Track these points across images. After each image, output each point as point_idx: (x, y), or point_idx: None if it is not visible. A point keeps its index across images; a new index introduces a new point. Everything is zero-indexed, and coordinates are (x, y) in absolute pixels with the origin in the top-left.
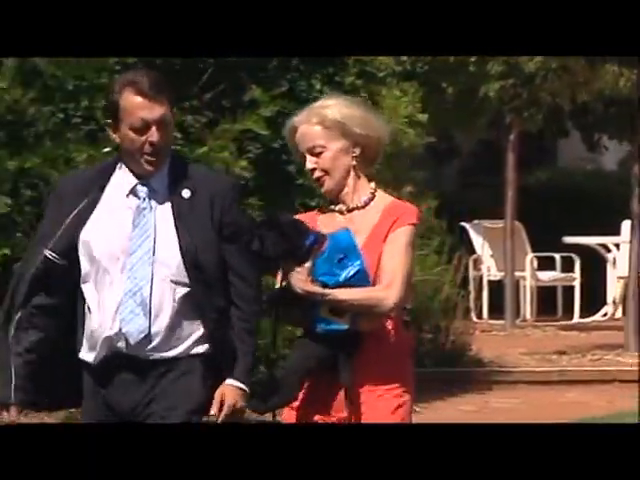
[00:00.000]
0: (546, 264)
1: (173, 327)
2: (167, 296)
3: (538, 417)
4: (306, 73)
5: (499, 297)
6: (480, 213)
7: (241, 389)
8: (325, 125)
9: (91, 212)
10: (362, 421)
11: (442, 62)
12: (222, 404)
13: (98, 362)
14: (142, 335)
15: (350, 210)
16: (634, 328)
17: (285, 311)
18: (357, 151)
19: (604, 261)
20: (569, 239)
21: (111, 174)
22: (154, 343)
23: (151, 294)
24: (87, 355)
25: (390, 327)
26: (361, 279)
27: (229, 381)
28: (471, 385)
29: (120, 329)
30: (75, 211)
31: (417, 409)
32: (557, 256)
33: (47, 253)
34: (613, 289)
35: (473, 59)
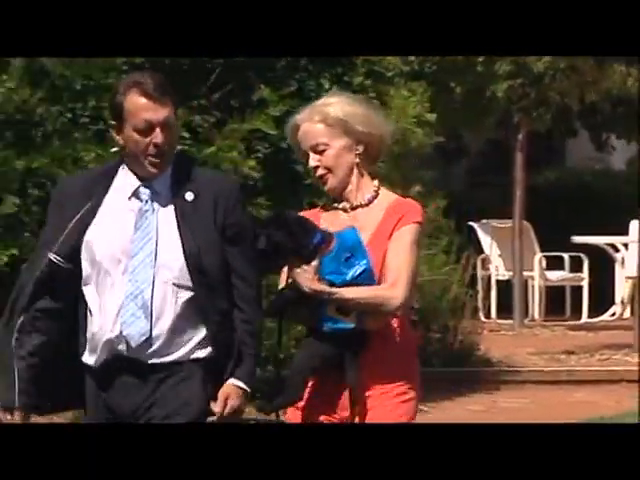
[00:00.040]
0: (554, 264)
1: (174, 330)
2: (168, 299)
3: (546, 417)
4: (315, 73)
5: (507, 297)
6: (488, 213)
7: (243, 389)
8: (328, 123)
9: (94, 215)
10: (367, 420)
11: (450, 62)
12: (226, 403)
13: (99, 365)
14: (143, 338)
15: (354, 208)
16: None
17: (291, 310)
18: (360, 149)
19: (612, 261)
20: (577, 239)
21: (114, 176)
22: (155, 346)
23: (152, 297)
24: (88, 358)
25: (395, 326)
26: (367, 278)
27: (232, 381)
28: (479, 385)
29: (121, 332)
30: (79, 214)
31: (425, 409)
32: (565, 256)
33: (52, 257)
34: (621, 289)
35: (481, 59)
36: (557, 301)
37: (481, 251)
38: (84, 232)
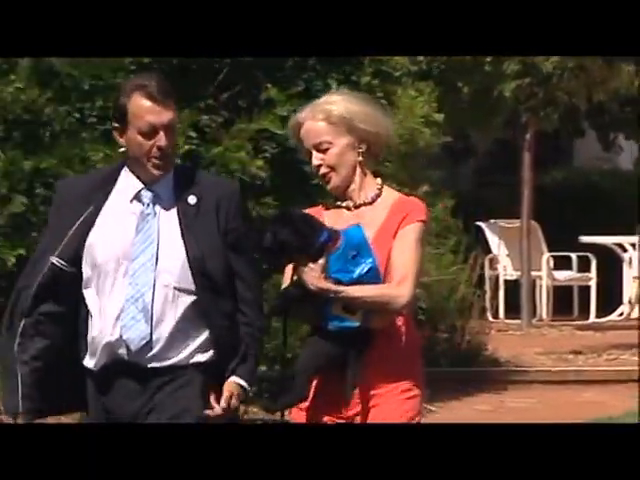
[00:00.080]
0: (562, 264)
1: (175, 334)
2: (169, 303)
3: (554, 417)
4: (322, 73)
5: (515, 297)
6: (496, 212)
7: (242, 387)
8: (331, 121)
9: (96, 218)
10: (372, 418)
11: (458, 62)
12: (228, 401)
13: (99, 369)
14: (143, 342)
15: (357, 206)
16: None
17: (296, 309)
18: (363, 147)
19: (620, 261)
20: (585, 239)
21: (116, 179)
22: (155, 350)
23: (153, 301)
24: (88, 361)
25: (400, 324)
26: (374, 276)
27: (233, 378)
28: (487, 385)
29: (121, 335)
30: (81, 217)
31: (433, 409)
32: (573, 256)
33: (54, 260)
34: (629, 289)
35: (489, 59)
36: (565, 301)
37: (489, 251)
38: (86, 235)
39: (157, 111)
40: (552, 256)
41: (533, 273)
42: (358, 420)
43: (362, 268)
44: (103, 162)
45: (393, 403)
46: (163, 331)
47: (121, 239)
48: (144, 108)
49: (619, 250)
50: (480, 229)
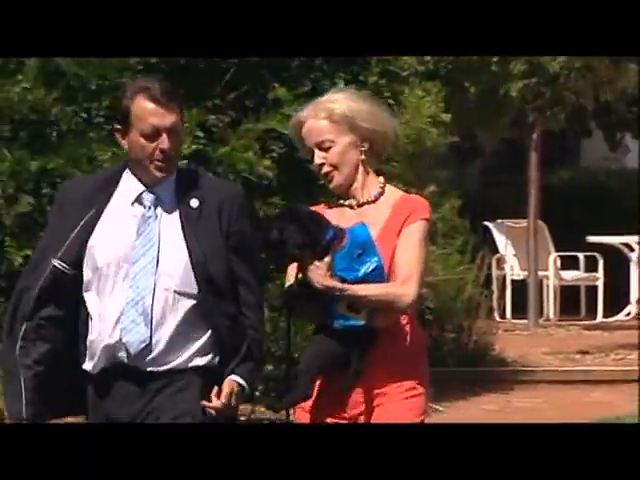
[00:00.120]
0: (569, 263)
1: (174, 338)
2: (169, 306)
3: (561, 417)
4: (329, 72)
5: (522, 296)
6: (503, 212)
7: (241, 385)
8: (333, 120)
9: (98, 220)
10: (376, 418)
11: (465, 62)
12: (227, 399)
13: (97, 372)
14: (143, 345)
15: (360, 205)
16: None
17: (300, 307)
18: (365, 146)
19: (627, 260)
20: (592, 238)
21: (118, 181)
22: (154, 354)
23: (153, 304)
24: (87, 364)
25: (404, 323)
26: (379, 275)
27: (232, 376)
28: (494, 385)
29: (120, 339)
30: (83, 220)
31: (440, 408)
32: (580, 255)
33: (56, 263)
34: (636, 288)
35: (496, 59)
36: (572, 301)
37: (496, 251)
38: (88, 238)
39: (160, 114)
40: (559, 256)
41: (540, 273)
42: (362, 419)
43: (367, 267)
44: (110, 162)
45: (398, 402)
46: (163, 334)
47: (122, 242)
48: (147, 111)
49: (626, 250)
50: (487, 229)
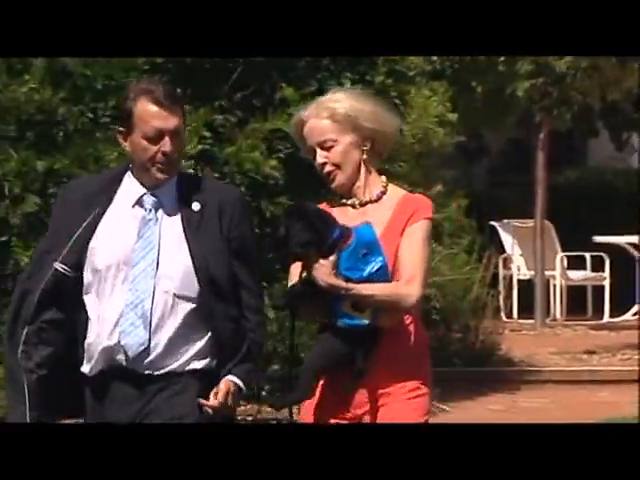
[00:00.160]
0: (576, 263)
1: (173, 341)
2: (168, 309)
3: (567, 417)
4: (336, 72)
5: (529, 296)
6: (510, 212)
7: (237, 385)
8: (335, 119)
9: (99, 222)
10: (380, 418)
11: (472, 61)
12: (223, 399)
13: (95, 374)
14: (141, 348)
15: (363, 204)
16: None
17: (304, 307)
18: (368, 145)
19: (634, 260)
20: (599, 238)
21: (120, 183)
22: (153, 357)
23: (152, 307)
24: (85, 367)
25: (407, 323)
26: (383, 275)
27: (229, 376)
28: (500, 385)
29: (119, 341)
30: (85, 222)
31: (446, 408)
32: (587, 255)
33: (57, 266)
34: None
35: (502, 59)
36: (579, 301)
37: (502, 250)
38: (89, 240)
39: (163, 116)
40: (566, 256)
41: (547, 273)
42: (366, 419)
43: (372, 266)
44: (117, 162)
45: (402, 402)
46: (162, 338)
47: (122, 244)
48: (150, 113)
49: (633, 250)
50: (494, 229)
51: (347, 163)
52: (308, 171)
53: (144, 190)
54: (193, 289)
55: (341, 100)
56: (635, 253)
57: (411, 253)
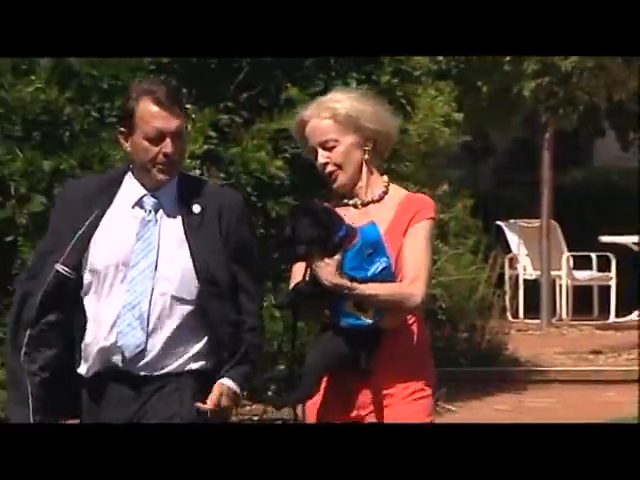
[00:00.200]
0: (582, 263)
1: (170, 343)
2: (166, 311)
3: (574, 417)
4: (342, 72)
5: (535, 296)
6: (515, 212)
7: (231, 389)
8: (337, 120)
9: (100, 223)
10: (384, 418)
11: (478, 61)
12: (216, 402)
13: (91, 375)
14: (138, 350)
15: (365, 204)
16: None
17: (307, 306)
18: (369, 145)
19: None
20: (605, 238)
21: (120, 183)
22: (149, 358)
23: (150, 308)
24: (81, 368)
25: (410, 324)
26: (388, 275)
27: (223, 380)
28: (507, 384)
29: (116, 342)
30: (86, 223)
31: (453, 408)
32: (593, 255)
33: (59, 268)
34: None
35: (508, 58)
36: (585, 300)
37: (508, 250)
38: (90, 241)
39: (165, 117)
40: (572, 256)
41: (553, 273)
42: (370, 420)
43: (377, 267)
44: (123, 162)
45: (405, 404)
46: (158, 339)
47: (121, 245)
48: (152, 113)
49: (639, 249)
50: (500, 229)
51: (349, 163)
52: (314, 171)
53: (144, 191)
54: (191, 291)
55: (342, 100)
56: None
57: (414, 253)
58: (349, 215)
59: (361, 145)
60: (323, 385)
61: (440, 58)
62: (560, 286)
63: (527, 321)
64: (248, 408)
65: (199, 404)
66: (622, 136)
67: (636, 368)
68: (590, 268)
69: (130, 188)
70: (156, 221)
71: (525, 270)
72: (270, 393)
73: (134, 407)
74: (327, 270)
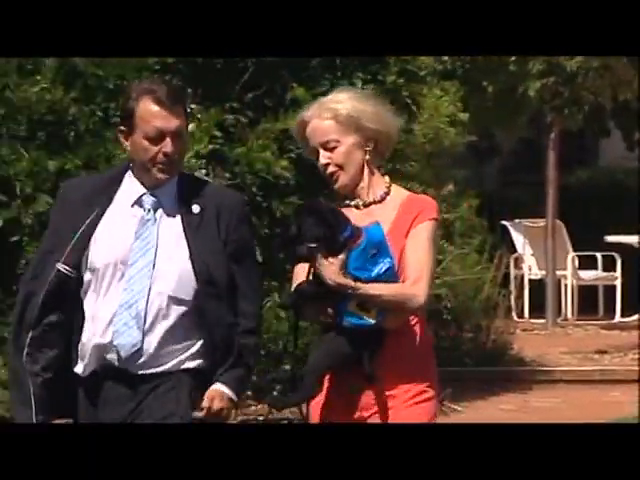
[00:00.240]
0: (587, 263)
1: (166, 342)
2: (163, 311)
3: (579, 417)
4: (347, 72)
5: (540, 296)
6: (521, 212)
7: (226, 394)
8: (338, 120)
9: (99, 221)
10: (387, 418)
11: (483, 61)
12: (209, 406)
13: (87, 374)
14: (134, 349)
15: (367, 205)
16: None
17: (309, 306)
18: (370, 146)
19: None
20: (610, 238)
21: (120, 182)
22: (145, 357)
23: (147, 308)
24: (78, 367)
25: (412, 324)
26: (391, 276)
27: (217, 385)
28: (512, 384)
29: (112, 341)
30: (86, 222)
31: (458, 408)
32: (598, 255)
33: (60, 267)
34: None
35: (514, 58)
36: (590, 300)
37: (514, 250)
38: (90, 239)
39: (165, 117)
40: (577, 255)
41: (558, 272)
42: (374, 421)
43: (380, 267)
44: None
45: (408, 406)
46: (154, 339)
47: (120, 244)
48: (152, 113)
49: None
50: (505, 228)
51: (350, 164)
52: (319, 171)
53: (144, 190)
54: (188, 291)
55: (343, 101)
56: None
57: (417, 254)
58: (351, 216)
59: (362, 145)
60: (326, 385)
61: (445, 58)
62: (565, 286)
63: (532, 321)
64: (253, 408)
65: (193, 413)
66: (627, 136)
67: None
68: (595, 268)
69: (130, 187)
70: (155, 220)
71: (530, 270)
72: (275, 393)
73: (130, 406)
74: (331, 269)
